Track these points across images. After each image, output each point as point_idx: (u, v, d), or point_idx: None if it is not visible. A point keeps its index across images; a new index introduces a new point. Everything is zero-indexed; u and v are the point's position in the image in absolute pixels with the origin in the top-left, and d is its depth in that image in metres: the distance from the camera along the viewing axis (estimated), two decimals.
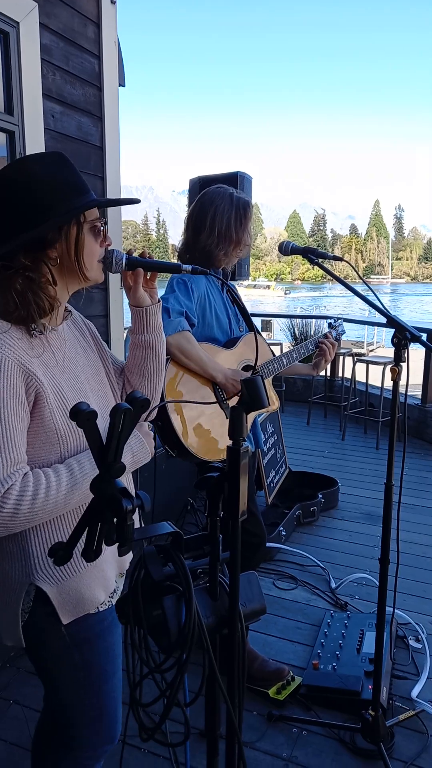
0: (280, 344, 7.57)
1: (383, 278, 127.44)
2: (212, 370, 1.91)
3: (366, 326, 12.12)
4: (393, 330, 1.72)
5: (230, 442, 0.90)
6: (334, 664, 2.20)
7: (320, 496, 3.73)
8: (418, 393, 5.67)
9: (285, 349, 7.44)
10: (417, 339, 1.68)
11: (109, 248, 1.18)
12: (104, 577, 1.19)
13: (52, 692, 1.24)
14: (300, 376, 2.06)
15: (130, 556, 1.30)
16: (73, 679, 1.18)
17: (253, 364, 2.11)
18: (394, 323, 1.73)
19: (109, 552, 1.20)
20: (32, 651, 1.19)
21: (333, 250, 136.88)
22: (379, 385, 5.54)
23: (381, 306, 1.76)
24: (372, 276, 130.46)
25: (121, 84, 3.39)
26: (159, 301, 1.31)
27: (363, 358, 5.69)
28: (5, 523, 0.99)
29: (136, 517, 1.16)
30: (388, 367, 5.39)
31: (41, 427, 1.07)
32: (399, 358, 1.73)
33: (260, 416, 3.06)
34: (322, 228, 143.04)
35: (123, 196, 3.67)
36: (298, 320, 7.47)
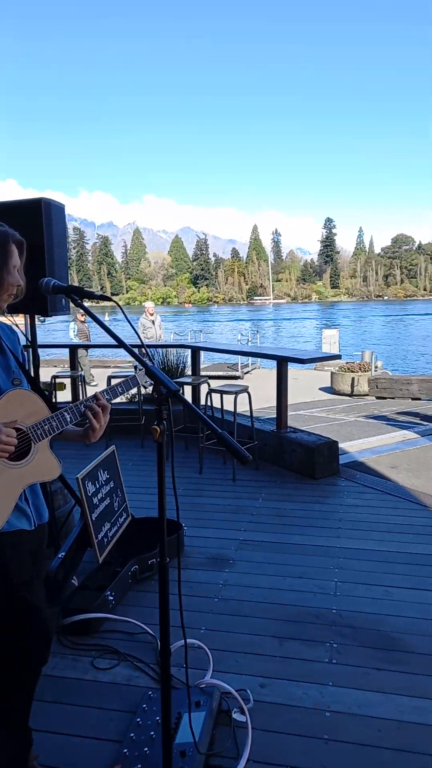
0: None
1: (266, 299, 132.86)
2: None
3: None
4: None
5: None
6: (140, 766, 1.90)
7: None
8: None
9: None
10: (173, 394, 1.46)
11: None
12: None
13: None
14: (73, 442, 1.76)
15: None
16: None
17: (19, 423, 1.77)
18: (153, 377, 1.50)
19: None
20: None
21: (217, 273, 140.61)
22: (239, 413, 5.44)
23: (140, 358, 1.53)
24: (255, 297, 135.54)
25: None
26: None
27: (216, 388, 5.55)
28: None
29: None
30: (239, 396, 5.32)
31: None
32: (160, 416, 1.50)
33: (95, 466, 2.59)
34: (204, 252, 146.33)
35: None
36: (150, 350, 7.25)
